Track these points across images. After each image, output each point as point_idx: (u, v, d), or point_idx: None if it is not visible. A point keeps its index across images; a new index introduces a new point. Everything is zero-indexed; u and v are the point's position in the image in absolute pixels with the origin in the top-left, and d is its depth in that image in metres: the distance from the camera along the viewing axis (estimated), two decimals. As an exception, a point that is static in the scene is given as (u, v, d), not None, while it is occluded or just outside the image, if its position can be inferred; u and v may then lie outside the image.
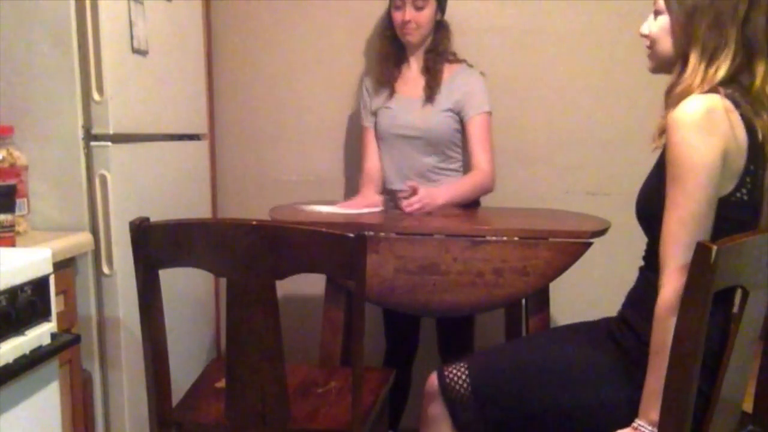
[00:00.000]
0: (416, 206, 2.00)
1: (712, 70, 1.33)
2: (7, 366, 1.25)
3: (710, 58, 1.34)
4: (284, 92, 2.59)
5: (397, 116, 2.22)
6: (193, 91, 2.32)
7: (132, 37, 1.86)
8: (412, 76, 2.25)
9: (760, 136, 1.31)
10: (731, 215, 1.31)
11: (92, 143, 1.76)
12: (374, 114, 2.28)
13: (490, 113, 2.20)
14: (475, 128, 2.17)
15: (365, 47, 2.54)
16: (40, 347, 1.35)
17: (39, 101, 1.72)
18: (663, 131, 1.35)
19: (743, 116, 1.30)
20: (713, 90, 1.31)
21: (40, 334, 1.35)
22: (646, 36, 1.46)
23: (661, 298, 1.28)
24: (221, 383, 1.51)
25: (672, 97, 1.37)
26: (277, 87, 2.60)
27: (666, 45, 1.42)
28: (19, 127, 1.69)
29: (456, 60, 2.26)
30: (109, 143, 1.77)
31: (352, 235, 1.28)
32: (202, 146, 2.42)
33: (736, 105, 1.30)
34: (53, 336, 1.39)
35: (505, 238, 1.78)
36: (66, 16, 1.69)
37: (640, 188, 1.47)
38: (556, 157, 2.50)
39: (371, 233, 1.79)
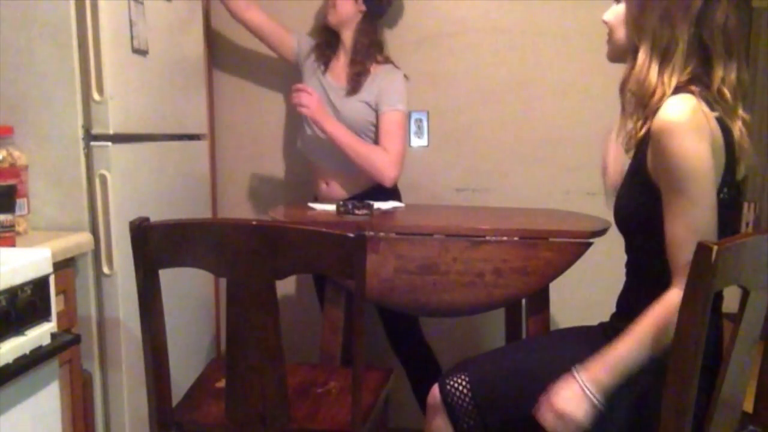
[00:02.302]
0: (302, 97, 2.12)
1: (667, 75, 1.30)
2: (7, 366, 1.25)
3: (663, 57, 1.30)
4: (284, 92, 2.59)
5: (322, 94, 2.26)
6: (193, 91, 2.31)
7: (132, 37, 1.86)
8: (340, 65, 2.30)
9: (735, 134, 1.30)
10: (719, 217, 1.29)
11: (92, 143, 1.76)
12: (298, 54, 2.38)
13: (403, 112, 2.23)
14: (384, 123, 2.21)
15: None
16: (40, 347, 1.34)
17: (39, 101, 1.72)
18: (634, 137, 1.34)
19: (718, 118, 1.29)
20: (687, 90, 1.29)
21: (40, 334, 1.35)
22: (605, 22, 1.45)
23: (673, 299, 1.23)
24: (221, 383, 1.50)
25: (628, 97, 1.35)
26: (277, 87, 2.60)
27: (621, 34, 1.40)
28: (19, 127, 1.69)
29: (385, 60, 2.30)
30: (109, 143, 1.77)
31: (352, 235, 1.28)
32: (202, 146, 2.42)
33: (709, 105, 1.29)
34: (53, 336, 1.39)
35: (505, 238, 1.78)
36: (66, 16, 1.69)
37: (617, 200, 1.45)
38: (556, 157, 2.50)
39: (371, 233, 1.79)
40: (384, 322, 2.32)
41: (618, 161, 1.60)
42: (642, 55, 1.32)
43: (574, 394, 1.24)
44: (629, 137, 1.36)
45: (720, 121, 1.30)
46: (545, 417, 1.26)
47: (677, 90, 1.30)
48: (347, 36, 2.28)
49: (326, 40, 2.34)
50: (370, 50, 2.26)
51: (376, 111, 2.22)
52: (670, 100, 1.27)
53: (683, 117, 1.24)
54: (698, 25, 1.29)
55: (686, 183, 1.24)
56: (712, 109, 1.29)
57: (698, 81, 1.31)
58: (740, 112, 1.33)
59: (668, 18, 1.29)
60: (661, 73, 1.30)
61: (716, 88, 1.31)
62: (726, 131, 1.30)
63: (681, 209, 1.26)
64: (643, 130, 1.32)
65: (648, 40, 1.32)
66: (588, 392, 1.24)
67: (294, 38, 2.39)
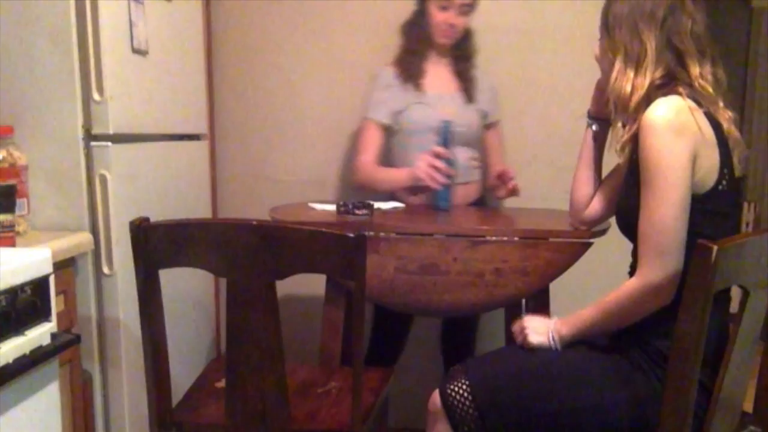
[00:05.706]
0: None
1: (640, 78, 1.39)
2: (7, 366, 1.24)
3: (636, 65, 1.40)
4: (284, 92, 2.59)
5: (437, 110, 2.15)
6: (193, 91, 2.31)
7: (132, 37, 1.86)
8: (441, 73, 2.23)
9: (724, 127, 1.37)
10: (718, 207, 1.35)
11: (92, 143, 1.76)
12: (398, 111, 2.17)
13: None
14: (494, 137, 2.32)
15: (364, 47, 2.53)
16: (40, 347, 1.34)
17: (39, 101, 1.72)
18: (621, 140, 1.42)
19: (706, 113, 1.35)
20: (674, 92, 1.36)
21: (40, 334, 1.35)
22: (596, 58, 1.54)
23: (630, 285, 1.37)
24: (221, 383, 1.51)
25: (611, 106, 1.45)
26: (277, 87, 2.60)
27: (604, 63, 1.50)
28: (19, 127, 1.69)
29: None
30: (109, 143, 1.77)
31: (352, 235, 1.28)
32: (202, 146, 2.42)
33: (698, 104, 1.35)
34: (53, 336, 1.39)
35: (505, 238, 1.78)
36: (66, 16, 1.69)
37: (618, 203, 1.52)
38: (556, 157, 2.50)
39: (371, 233, 1.79)
40: (443, 333, 2.36)
41: (587, 187, 1.68)
42: (617, 66, 1.43)
43: (541, 330, 1.50)
44: (619, 141, 1.44)
45: (709, 116, 1.35)
46: (514, 327, 1.55)
47: (661, 88, 1.37)
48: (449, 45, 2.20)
49: (420, 54, 2.19)
50: (473, 59, 2.25)
51: (485, 119, 2.25)
52: (658, 100, 1.34)
53: (666, 116, 1.31)
54: (666, 31, 1.39)
55: (655, 178, 1.31)
56: (700, 105, 1.35)
57: (676, 78, 1.38)
58: (722, 105, 1.39)
59: (636, 30, 1.40)
60: (635, 78, 1.40)
61: (697, 84, 1.38)
62: (716, 125, 1.36)
63: (647, 203, 1.33)
64: (631, 131, 1.39)
65: (621, 53, 1.42)
66: (551, 335, 1.48)
67: (381, 126, 2.20)
